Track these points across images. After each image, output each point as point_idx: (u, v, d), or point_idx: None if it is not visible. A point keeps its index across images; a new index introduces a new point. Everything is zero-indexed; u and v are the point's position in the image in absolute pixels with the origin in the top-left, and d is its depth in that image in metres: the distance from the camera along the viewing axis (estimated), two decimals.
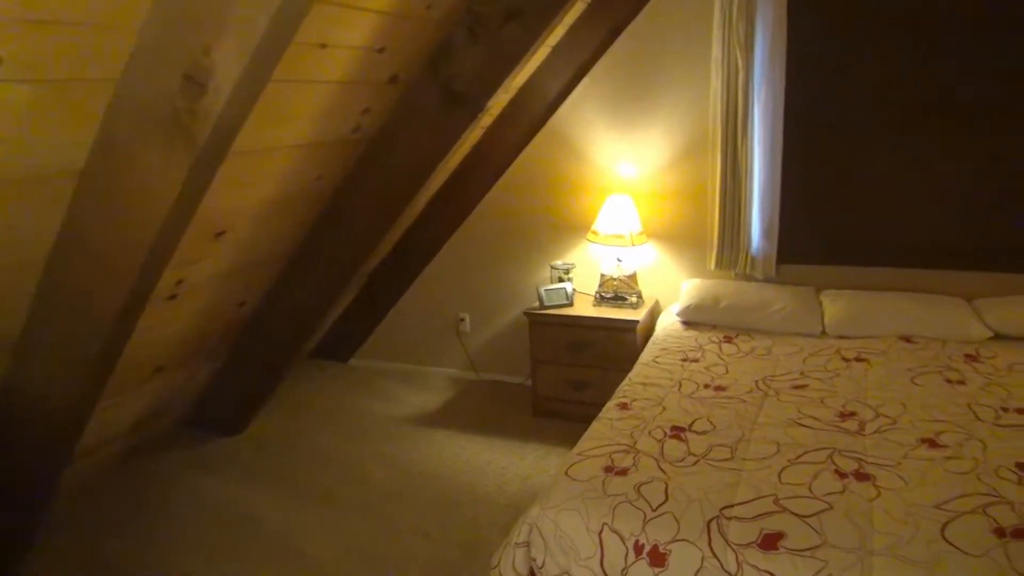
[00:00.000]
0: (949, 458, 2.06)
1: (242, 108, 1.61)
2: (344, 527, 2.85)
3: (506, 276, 4.11)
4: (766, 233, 3.47)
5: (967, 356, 2.84)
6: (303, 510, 2.98)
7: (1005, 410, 2.36)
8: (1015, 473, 1.96)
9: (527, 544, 1.97)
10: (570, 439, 2.52)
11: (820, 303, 3.32)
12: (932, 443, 2.16)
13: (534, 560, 1.94)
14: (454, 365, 4.36)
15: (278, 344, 3.47)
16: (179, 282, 2.62)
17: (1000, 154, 3.21)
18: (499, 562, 2.03)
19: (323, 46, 2.21)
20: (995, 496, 1.85)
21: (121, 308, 1.94)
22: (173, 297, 2.66)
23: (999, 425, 2.26)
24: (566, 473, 2.07)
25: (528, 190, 3.93)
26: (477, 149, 3.82)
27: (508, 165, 3.92)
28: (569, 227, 3.89)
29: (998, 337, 2.99)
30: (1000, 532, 1.71)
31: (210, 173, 1.73)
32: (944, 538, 1.70)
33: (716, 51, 3.33)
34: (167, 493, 3.14)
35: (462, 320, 4.27)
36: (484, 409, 3.90)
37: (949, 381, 2.62)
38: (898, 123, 3.31)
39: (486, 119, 3.62)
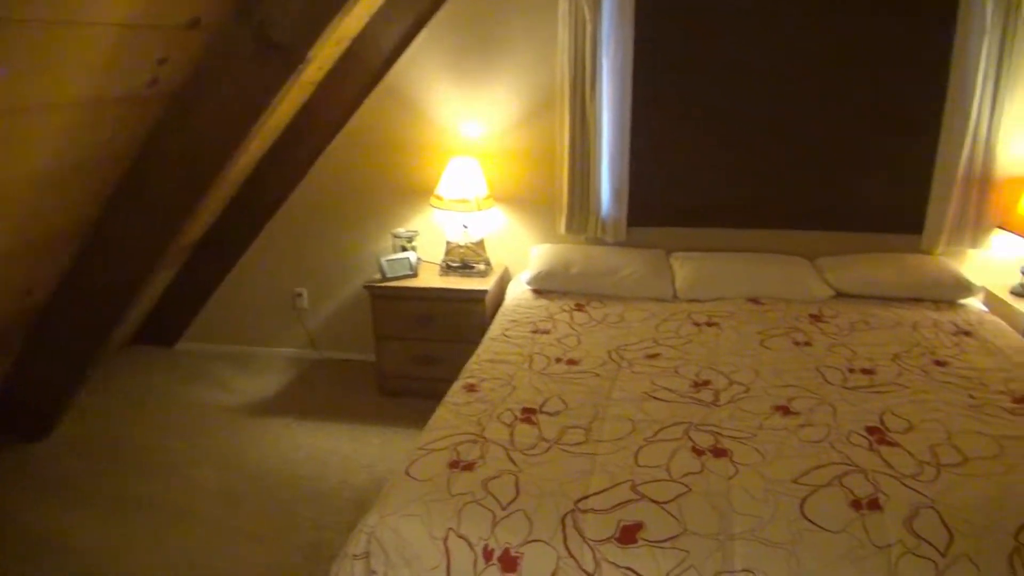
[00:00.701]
0: (802, 426, 2.02)
1: None
2: (168, 538, 2.52)
3: (345, 246, 3.80)
4: (616, 195, 3.36)
5: (812, 316, 2.85)
6: (119, 523, 2.60)
7: (851, 371, 2.37)
8: (865, 438, 1.94)
9: (367, 555, 1.74)
10: (420, 418, 2.35)
11: (670, 266, 3.26)
12: (785, 410, 2.11)
13: (374, 572, 1.72)
14: (293, 344, 4.03)
15: (81, 334, 3.03)
16: None
17: (839, 117, 3.24)
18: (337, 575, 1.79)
19: None
20: (849, 464, 1.82)
21: None
22: None
23: (846, 388, 2.26)
24: (406, 472, 1.85)
25: (365, 152, 3.61)
26: (307, 107, 3.47)
27: (342, 125, 3.59)
28: (411, 192, 3.63)
29: (839, 296, 3.04)
30: (857, 504, 1.66)
31: None
32: (804, 515, 1.64)
33: (563, 3, 3.14)
34: None
35: (299, 295, 3.93)
36: (326, 391, 3.62)
37: (797, 343, 2.61)
38: (746, 82, 3.27)
39: (314, 73, 3.26)
